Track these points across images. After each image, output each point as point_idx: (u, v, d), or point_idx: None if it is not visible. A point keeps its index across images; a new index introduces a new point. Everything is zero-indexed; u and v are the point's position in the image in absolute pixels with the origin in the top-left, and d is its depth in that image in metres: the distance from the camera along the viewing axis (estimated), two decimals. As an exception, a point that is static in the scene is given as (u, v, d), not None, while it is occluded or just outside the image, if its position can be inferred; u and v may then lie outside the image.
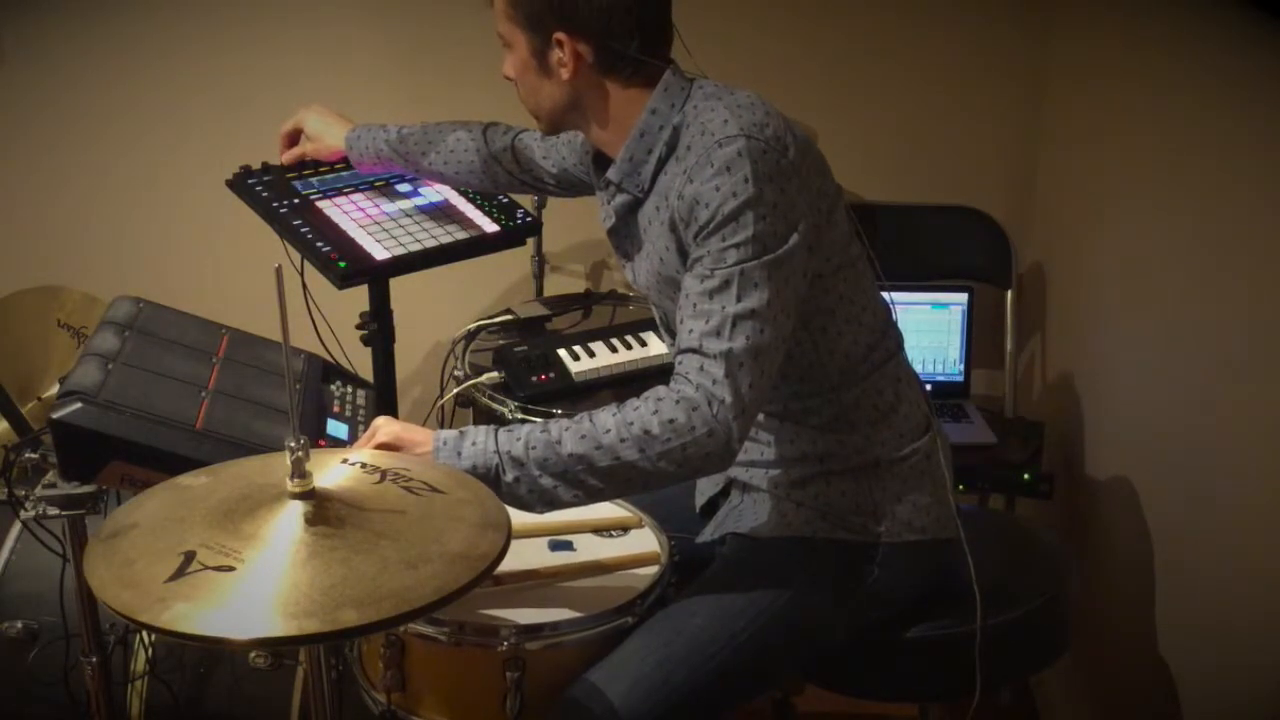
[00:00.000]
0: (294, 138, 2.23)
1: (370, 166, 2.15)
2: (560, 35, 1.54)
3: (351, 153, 2.14)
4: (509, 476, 1.50)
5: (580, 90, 1.60)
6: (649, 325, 2.47)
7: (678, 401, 1.47)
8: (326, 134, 2.17)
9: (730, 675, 1.60)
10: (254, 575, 1.22)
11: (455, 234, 2.20)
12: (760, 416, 1.67)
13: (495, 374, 2.30)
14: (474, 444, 1.51)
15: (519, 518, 1.44)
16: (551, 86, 1.60)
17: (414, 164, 2.10)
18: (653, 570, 1.70)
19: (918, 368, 2.57)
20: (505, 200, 2.29)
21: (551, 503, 1.51)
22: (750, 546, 1.70)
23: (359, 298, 2.15)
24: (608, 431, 1.48)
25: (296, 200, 2.16)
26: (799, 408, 1.66)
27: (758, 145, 1.48)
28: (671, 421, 1.46)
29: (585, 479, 1.49)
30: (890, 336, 1.70)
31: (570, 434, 1.49)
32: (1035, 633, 1.79)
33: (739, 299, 1.47)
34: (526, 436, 1.50)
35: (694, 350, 1.49)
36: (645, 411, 1.48)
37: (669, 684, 1.54)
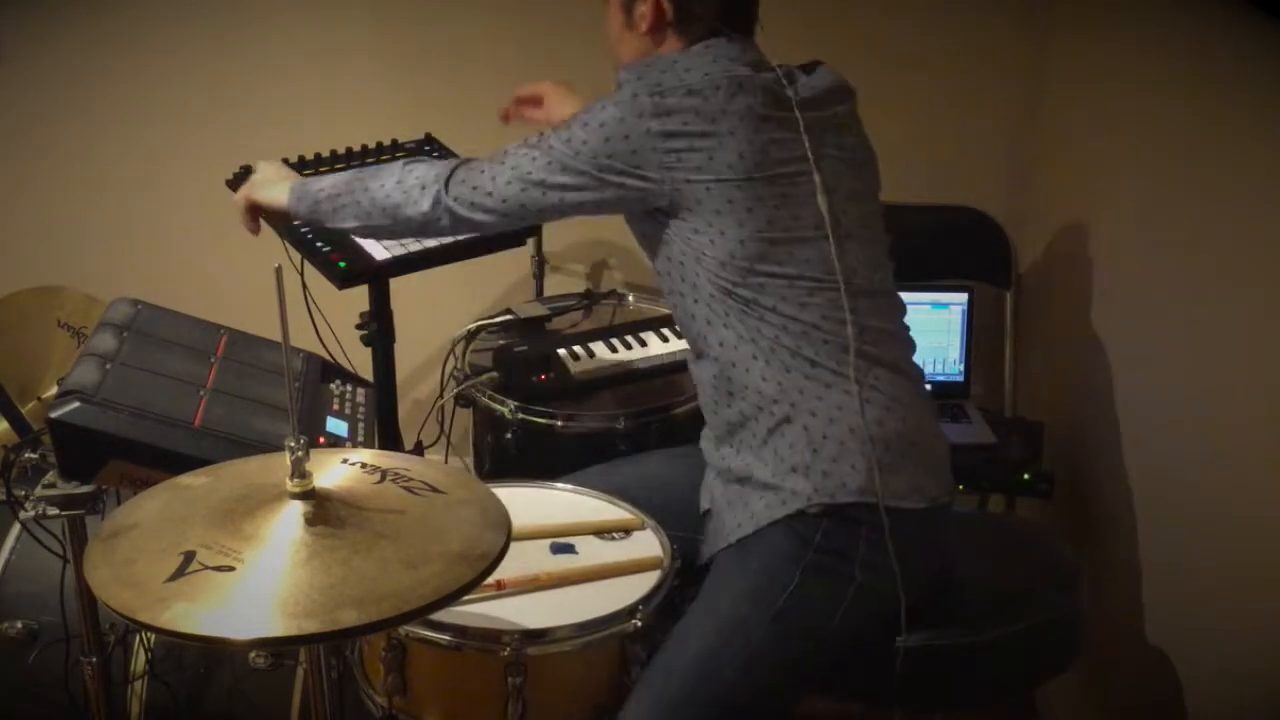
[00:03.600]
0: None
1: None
2: None
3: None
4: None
5: (657, 45, 1.71)
6: (649, 325, 2.47)
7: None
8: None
9: (743, 698, 1.61)
10: (254, 575, 1.21)
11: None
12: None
13: (495, 374, 2.30)
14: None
15: (520, 519, 1.44)
16: (632, 39, 1.73)
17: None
18: (655, 574, 1.70)
19: (918, 368, 2.59)
20: (505, 200, 2.29)
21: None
22: (733, 554, 1.69)
23: (359, 298, 2.15)
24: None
25: (296, 200, 2.16)
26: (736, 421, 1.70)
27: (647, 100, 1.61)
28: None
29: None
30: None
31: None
32: (1039, 647, 1.78)
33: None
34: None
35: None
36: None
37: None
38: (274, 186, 1.94)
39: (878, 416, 1.64)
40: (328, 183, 1.87)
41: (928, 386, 1.79)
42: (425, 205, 1.76)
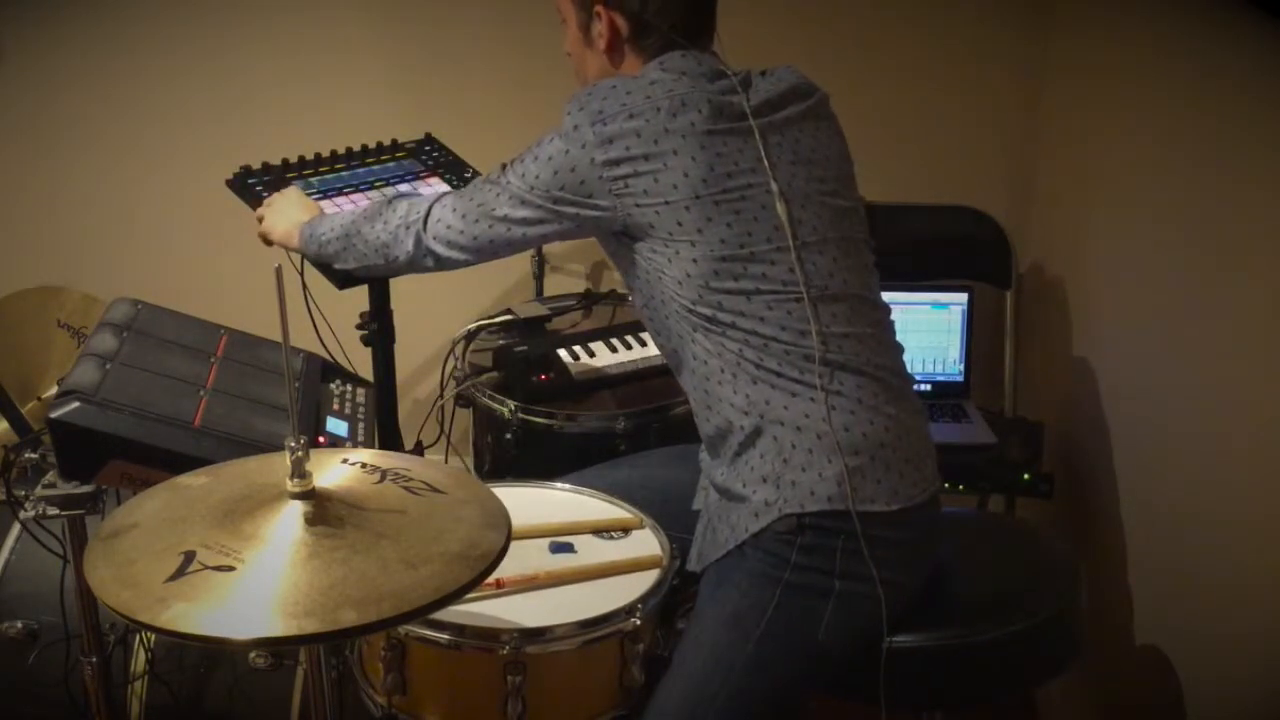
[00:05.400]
0: None
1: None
2: (599, 8, 1.70)
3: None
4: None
5: (616, 64, 1.73)
6: (649, 325, 2.48)
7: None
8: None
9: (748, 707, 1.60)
10: (254, 575, 1.21)
11: (455, 234, 2.20)
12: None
13: (495, 374, 2.30)
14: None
15: (519, 519, 1.44)
16: (593, 57, 1.75)
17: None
18: (654, 573, 1.70)
19: (917, 368, 2.59)
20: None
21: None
22: (715, 578, 1.68)
23: (359, 298, 2.15)
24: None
25: (296, 200, 2.16)
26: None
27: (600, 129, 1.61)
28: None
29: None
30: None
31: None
32: (1038, 647, 1.77)
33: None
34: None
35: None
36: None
37: None
38: (287, 223, 2.00)
39: (844, 422, 1.62)
40: (328, 227, 1.92)
41: (915, 386, 1.77)
42: (410, 245, 1.80)
